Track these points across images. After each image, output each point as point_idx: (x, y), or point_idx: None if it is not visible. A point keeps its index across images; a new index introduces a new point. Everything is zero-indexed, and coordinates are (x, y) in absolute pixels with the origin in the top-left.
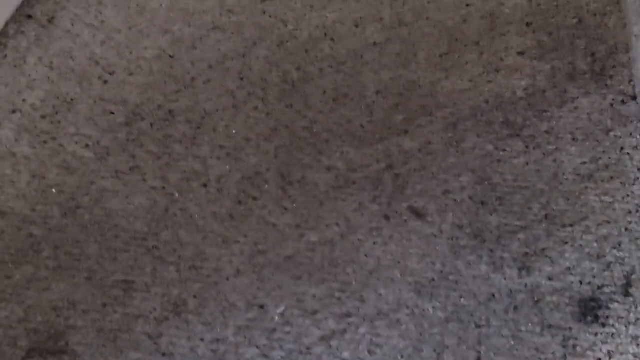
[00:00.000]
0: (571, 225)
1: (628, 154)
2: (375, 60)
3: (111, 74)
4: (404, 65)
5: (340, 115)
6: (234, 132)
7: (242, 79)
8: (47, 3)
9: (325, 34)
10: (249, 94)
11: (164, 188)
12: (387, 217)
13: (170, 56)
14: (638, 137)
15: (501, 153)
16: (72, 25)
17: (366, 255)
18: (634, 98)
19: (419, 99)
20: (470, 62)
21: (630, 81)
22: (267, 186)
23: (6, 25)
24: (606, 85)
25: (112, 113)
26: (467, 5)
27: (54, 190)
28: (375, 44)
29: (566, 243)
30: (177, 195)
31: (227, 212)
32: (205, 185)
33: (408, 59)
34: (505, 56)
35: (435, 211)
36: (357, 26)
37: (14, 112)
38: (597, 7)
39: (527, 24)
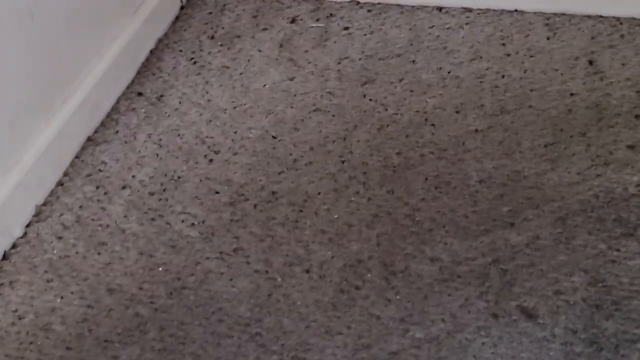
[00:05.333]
0: None
1: None
2: (478, 148)
3: (216, 152)
4: (508, 155)
5: (443, 203)
6: (335, 216)
7: (343, 162)
8: (156, 81)
9: (426, 119)
10: (350, 177)
11: (267, 272)
12: (495, 316)
13: (273, 137)
14: None
15: (615, 253)
16: (180, 103)
17: (474, 357)
18: None
19: (524, 190)
20: (577, 154)
21: None
22: (369, 275)
23: (117, 101)
24: None
25: (217, 192)
26: (572, 94)
27: (160, 269)
28: (477, 130)
29: None
30: (279, 280)
31: (329, 300)
32: (307, 271)
33: (511, 148)
34: (614, 149)
35: (547, 312)
36: (457, 112)
37: (124, 187)
38: None
39: (636, 116)
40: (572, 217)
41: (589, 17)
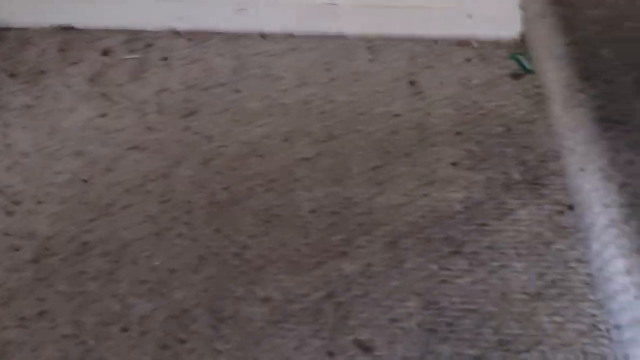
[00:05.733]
0: (526, 351)
1: (572, 267)
2: (307, 177)
3: (17, 203)
4: (337, 181)
5: (274, 238)
6: (156, 263)
7: (164, 202)
8: None
9: (253, 150)
10: (172, 218)
11: (76, 335)
12: (331, 354)
13: (84, 180)
14: (580, 249)
15: (445, 272)
16: None
17: None
18: (571, 208)
19: (355, 216)
20: (403, 175)
21: (564, 190)
22: (196, 325)
23: None
24: (542, 194)
25: (18, 249)
26: (395, 115)
27: None
28: (305, 159)
29: None
30: (92, 342)
31: (151, 359)
32: (125, 329)
33: (341, 174)
34: (437, 167)
35: (383, 343)
36: (285, 140)
37: None
38: (523, 115)
39: (457, 134)
40: (402, 240)
41: (407, 39)
